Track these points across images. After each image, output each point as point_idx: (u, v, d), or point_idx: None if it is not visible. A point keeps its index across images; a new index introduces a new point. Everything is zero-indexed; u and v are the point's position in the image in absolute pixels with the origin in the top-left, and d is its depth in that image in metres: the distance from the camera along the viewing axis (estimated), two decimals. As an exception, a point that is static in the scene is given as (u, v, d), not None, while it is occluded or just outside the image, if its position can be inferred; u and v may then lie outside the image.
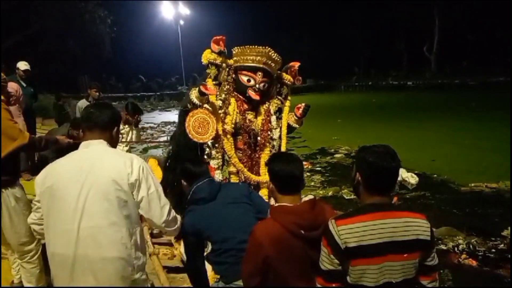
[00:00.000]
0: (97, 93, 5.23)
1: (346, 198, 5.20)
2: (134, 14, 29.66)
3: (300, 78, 2.87)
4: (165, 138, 11.04)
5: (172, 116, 17.50)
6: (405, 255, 1.28)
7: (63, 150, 3.26)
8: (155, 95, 28.23)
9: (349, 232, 1.27)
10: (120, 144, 4.16)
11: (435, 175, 6.21)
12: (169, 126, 14.09)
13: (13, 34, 18.01)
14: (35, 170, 3.91)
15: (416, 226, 1.31)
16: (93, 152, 1.51)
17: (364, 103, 20.33)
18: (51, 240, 1.47)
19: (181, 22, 30.17)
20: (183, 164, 2.08)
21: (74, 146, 1.74)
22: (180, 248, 3.13)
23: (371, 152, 1.35)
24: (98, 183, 1.43)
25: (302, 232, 1.43)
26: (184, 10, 30.47)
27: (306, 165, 7.22)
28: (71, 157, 1.53)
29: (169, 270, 2.97)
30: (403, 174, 5.99)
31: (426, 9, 27.76)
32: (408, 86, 27.20)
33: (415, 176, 5.89)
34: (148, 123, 14.86)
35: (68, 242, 1.40)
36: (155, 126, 14.31)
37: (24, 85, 5.09)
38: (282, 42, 32.77)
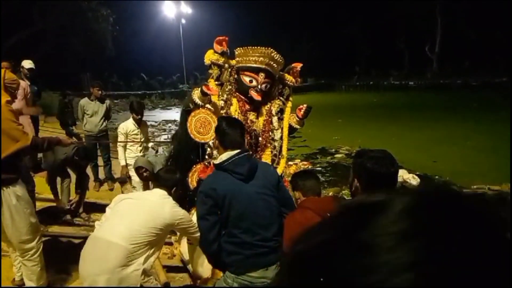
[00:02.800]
0: (100, 92, 5.22)
1: (347, 199, 5.18)
2: (136, 13, 29.68)
3: (299, 79, 2.87)
4: (165, 136, 11.05)
5: (173, 114, 17.51)
6: None
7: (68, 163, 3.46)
8: (157, 93, 28.21)
9: None
10: (133, 145, 4.19)
11: (437, 177, 6.18)
12: (170, 125, 14.09)
13: (17, 32, 18.06)
14: (36, 168, 3.93)
15: None
16: (155, 194, 2.20)
17: (365, 103, 20.29)
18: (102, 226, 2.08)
19: (183, 21, 30.15)
20: (218, 120, 2.01)
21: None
22: (180, 248, 3.13)
23: (369, 157, 1.31)
24: (148, 208, 2.05)
25: (329, 215, 1.72)
26: (186, 9, 30.45)
27: (306, 165, 7.20)
28: (142, 192, 2.54)
29: (169, 269, 2.98)
30: (405, 175, 5.99)
31: (428, 8, 27.68)
32: (409, 86, 27.16)
33: (416, 177, 5.90)
34: (149, 121, 14.82)
35: (105, 225, 2.02)
36: (156, 124, 14.32)
37: (29, 83, 5.12)
38: (283, 41, 32.74)
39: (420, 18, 27.69)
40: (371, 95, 24.35)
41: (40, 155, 3.83)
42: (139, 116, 4.15)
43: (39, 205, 3.91)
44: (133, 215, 2.01)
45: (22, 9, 17.65)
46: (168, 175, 2.28)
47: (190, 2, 30.74)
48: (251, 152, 2.20)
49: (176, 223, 2.11)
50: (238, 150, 1.81)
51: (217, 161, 1.84)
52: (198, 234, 1.93)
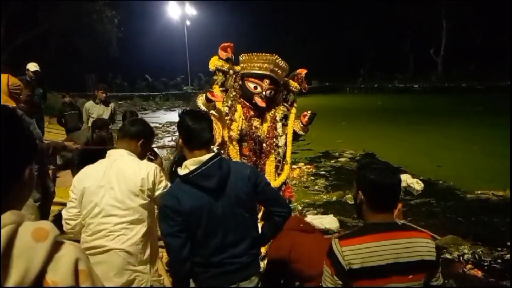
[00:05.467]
0: (104, 95, 5.28)
1: (350, 203, 5.16)
2: (141, 14, 29.83)
3: (306, 86, 2.87)
4: (169, 138, 11.08)
5: (177, 116, 17.53)
6: (409, 277, 1.26)
7: (87, 155, 3.33)
8: (161, 94, 28.37)
9: (353, 253, 1.25)
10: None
11: (441, 182, 6.14)
12: (173, 126, 14.11)
13: (22, 33, 18.23)
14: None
15: (421, 246, 1.29)
16: (114, 160, 1.83)
17: (369, 105, 20.24)
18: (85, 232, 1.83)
19: (188, 23, 30.28)
20: (181, 115, 1.67)
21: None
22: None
23: (372, 169, 1.34)
24: (117, 189, 1.76)
25: (301, 225, 2.31)
26: (191, 10, 30.57)
27: (309, 168, 7.19)
28: (99, 164, 1.86)
29: (173, 274, 2.98)
30: (408, 180, 5.96)
31: (433, 11, 27.58)
32: (414, 89, 27.07)
33: (420, 182, 5.86)
34: (152, 123, 14.91)
35: (91, 233, 1.78)
36: (160, 126, 14.37)
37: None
38: (288, 43, 32.84)
39: (425, 21, 27.60)
40: (375, 98, 24.28)
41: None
42: None
43: (55, 209, 3.87)
44: (115, 207, 1.75)
45: (28, 9, 17.81)
46: (134, 126, 1.93)
47: (195, 3, 30.89)
48: (222, 154, 1.82)
49: (157, 181, 1.81)
50: (208, 156, 1.53)
51: (182, 171, 1.53)
52: None
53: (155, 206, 1.91)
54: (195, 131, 1.55)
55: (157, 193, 1.83)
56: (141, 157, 1.91)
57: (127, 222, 1.76)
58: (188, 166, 1.52)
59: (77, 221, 1.81)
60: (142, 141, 1.88)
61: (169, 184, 1.88)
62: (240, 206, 1.58)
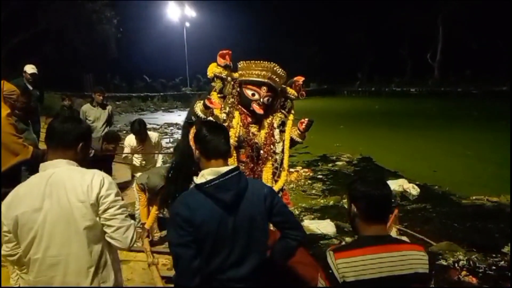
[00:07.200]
0: (101, 97, 5.28)
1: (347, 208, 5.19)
2: (140, 15, 29.78)
3: (304, 93, 2.89)
4: (167, 140, 11.06)
5: (175, 117, 17.56)
6: None
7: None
8: (159, 95, 28.33)
9: (348, 266, 1.27)
10: (137, 158, 4.21)
11: (437, 187, 6.19)
12: (171, 128, 14.13)
13: (20, 32, 18.18)
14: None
15: (414, 259, 1.32)
16: (52, 175, 1.47)
17: (366, 109, 20.34)
18: (28, 268, 1.51)
19: (187, 24, 30.29)
20: (197, 128, 1.59)
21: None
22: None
23: (363, 182, 1.40)
24: (59, 209, 1.43)
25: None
26: (190, 12, 30.59)
27: (307, 172, 7.21)
28: (31, 183, 1.50)
29: (168, 280, 2.98)
30: (405, 184, 6.00)
31: (430, 16, 27.83)
32: (411, 93, 27.27)
33: (416, 187, 5.90)
34: (150, 124, 14.91)
35: (38, 271, 1.46)
36: (158, 127, 14.36)
37: (31, 88, 5.16)
38: (287, 45, 32.91)
39: (422, 25, 27.84)
40: (373, 102, 24.41)
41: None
42: (140, 137, 4.12)
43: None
44: (62, 232, 1.44)
45: (26, 9, 17.77)
46: (66, 130, 1.50)
47: (194, 5, 30.91)
48: (242, 170, 1.68)
49: (103, 193, 1.45)
50: (227, 168, 1.48)
51: (198, 180, 1.48)
52: (126, 233, 1.50)
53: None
54: (211, 142, 1.52)
55: (102, 207, 1.46)
56: (83, 162, 1.57)
57: (80, 248, 1.45)
58: (206, 175, 1.47)
59: (18, 255, 1.49)
60: (81, 145, 1.52)
61: (121, 201, 1.54)
62: (252, 225, 1.51)
